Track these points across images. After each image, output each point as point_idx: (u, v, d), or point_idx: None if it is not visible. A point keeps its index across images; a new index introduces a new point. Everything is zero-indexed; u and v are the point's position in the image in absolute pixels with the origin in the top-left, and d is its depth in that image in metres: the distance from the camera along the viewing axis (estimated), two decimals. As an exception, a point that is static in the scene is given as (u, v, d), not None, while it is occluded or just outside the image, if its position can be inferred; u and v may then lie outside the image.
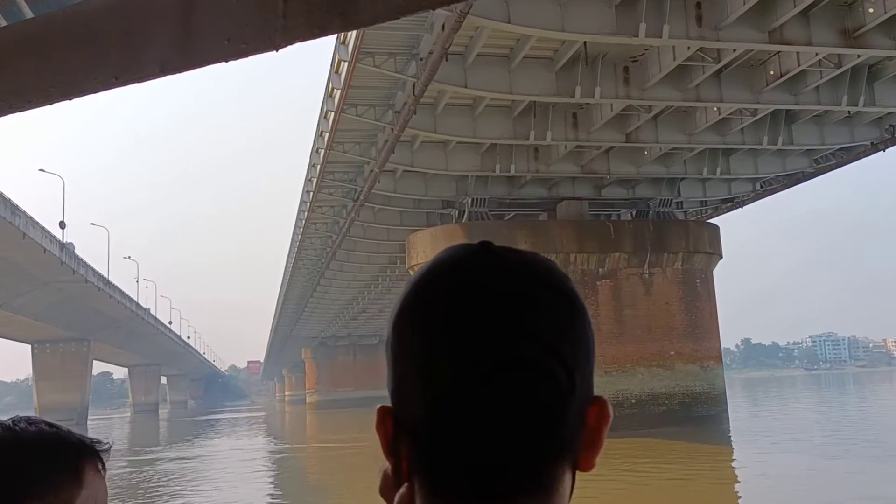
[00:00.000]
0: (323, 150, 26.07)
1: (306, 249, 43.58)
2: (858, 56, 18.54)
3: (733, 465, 22.61)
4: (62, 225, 43.92)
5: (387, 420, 0.69)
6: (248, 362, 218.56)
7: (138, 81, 1.07)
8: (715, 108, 22.37)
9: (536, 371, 0.65)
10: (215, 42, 1.00)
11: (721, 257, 30.59)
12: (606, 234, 28.88)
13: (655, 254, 29.00)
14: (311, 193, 32.58)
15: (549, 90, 20.18)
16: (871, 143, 25.36)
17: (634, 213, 31.39)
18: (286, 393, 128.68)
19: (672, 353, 28.66)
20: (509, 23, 16.31)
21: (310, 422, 62.70)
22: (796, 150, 27.24)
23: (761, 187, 31.58)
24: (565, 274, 0.71)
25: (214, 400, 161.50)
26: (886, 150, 25.24)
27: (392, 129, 22.42)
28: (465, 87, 19.72)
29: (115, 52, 1.06)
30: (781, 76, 19.65)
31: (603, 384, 27.21)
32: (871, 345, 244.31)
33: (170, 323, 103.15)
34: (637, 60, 19.83)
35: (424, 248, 29.02)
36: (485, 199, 29.18)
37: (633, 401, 27.90)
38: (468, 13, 15.10)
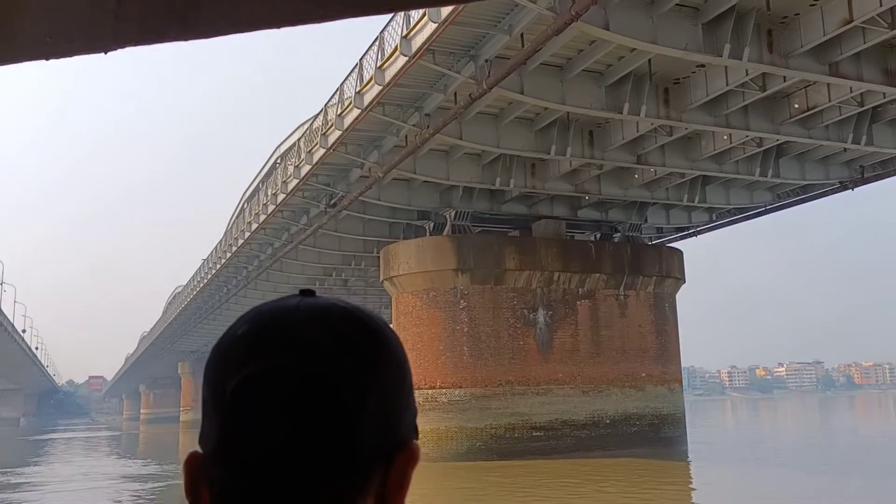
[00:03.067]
0: (322, 150, 24.60)
1: (238, 257, 41.08)
2: (883, 96, 19.84)
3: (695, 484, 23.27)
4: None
5: (193, 461, 0.70)
6: (90, 377, 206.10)
7: None
8: (725, 137, 23.21)
9: (327, 398, 0.65)
10: (35, 37, 0.90)
11: (685, 282, 31.71)
12: (588, 254, 29.21)
13: (632, 276, 29.63)
14: (276, 196, 30.75)
15: (530, 146, 22.98)
16: (840, 182, 27.24)
17: (599, 235, 31.96)
18: (142, 411, 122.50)
19: (644, 374, 29.26)
20: (523, 94, 19.03)
21: (183, 442, 58.33)
22: (766, 184, 28.78)
23: (717, 218, 33.17)
24: (377, 317, 0.72)
25: (49, 417, 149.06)
26: (854, 189, 27.17)
27: (420, 132, 21.56)
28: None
29: None
30: (808, 110, 20.67)
31: (581, 403, 27.48)
32: (707, 375, 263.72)
33: (23, 331, 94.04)
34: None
35: (408, 259, 28.08)
36: (468, 212, 28.72)
37: (608, 420, 28.17)
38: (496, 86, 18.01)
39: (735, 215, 32.53)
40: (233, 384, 0.67)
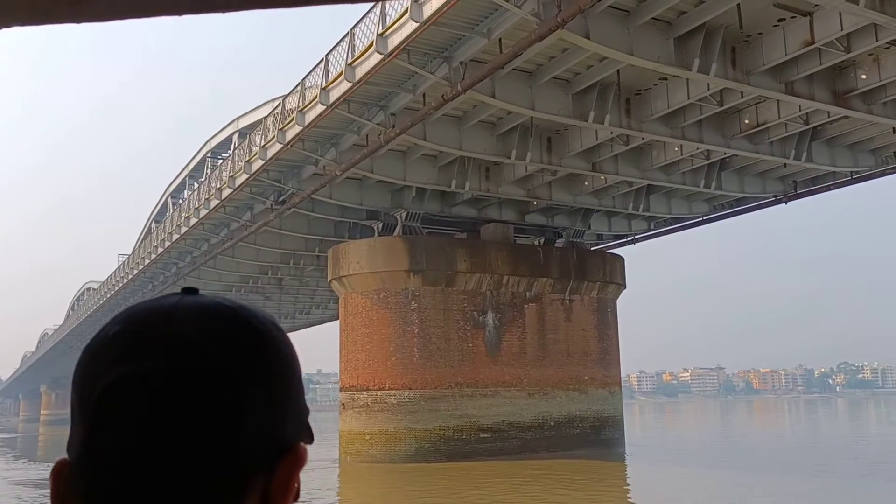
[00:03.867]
0: (278, 146, 24.09)
1: (170, 252, 39.70)
2: (828, 115, 21.01)
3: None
4: None
5: (60, 470, 0.67)
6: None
7: None
8: (676, 148, 24.04)
9: (198, 401, 0.63)
10: None
11: (626, 287, 32.61)
12: (537, 259, 29.66)
13: (577, 281, 30.26)
14: (220, 190, 29.91)
15: (491, 150, 23.39)
16: (774, 196, 28.64)
17: (543, 240, 32.51)
18: (43, 412, 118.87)
19: (587, 377, 29.92)
20: (494, 97, 19.21)
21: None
22: (705, 195, 29.92)
23: (655, 226, 34.28)
24: (262, 315, 0.70)
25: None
26: (788, 203, 28.62)
27: (385, 131, 21.43)
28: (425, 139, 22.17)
29: None
30: (757, 126, 21.66)
31: (527, 405, 27.91)
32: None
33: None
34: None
35: (359, 259, 27.82)
36: (419, 213, 28.71)
37: (553, 423, 28.67)
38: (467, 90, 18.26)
39: (671, 224, 33.70)
40: (100, 388, 0.64)
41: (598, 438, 29.42)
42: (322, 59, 21.21)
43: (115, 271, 54.15)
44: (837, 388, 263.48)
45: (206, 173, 46.60)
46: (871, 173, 25.75)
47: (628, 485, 23.79)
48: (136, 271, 45.07)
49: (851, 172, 25.84)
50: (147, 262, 42.02)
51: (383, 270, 27.45)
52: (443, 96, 18.75)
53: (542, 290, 29.65)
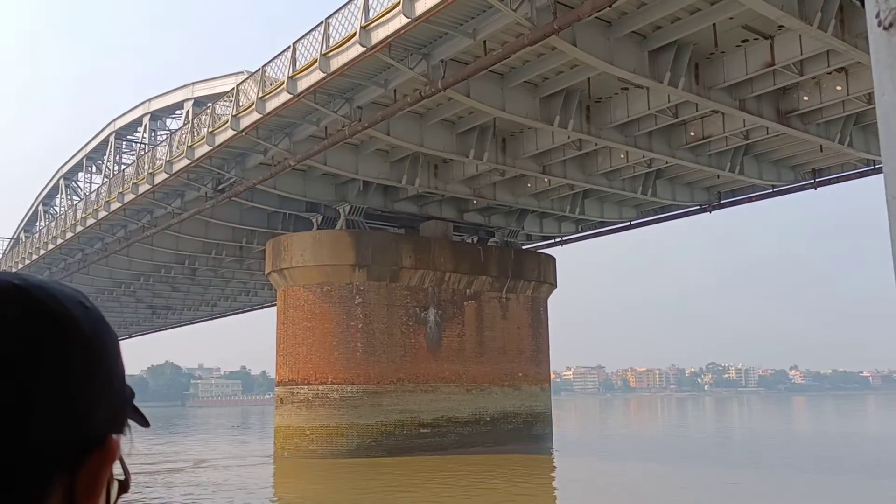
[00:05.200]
0: (230, 132, 23.36)
1: (80, 238, 37.51)
2: (767, 131, 22.62)
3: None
4: None
5: None
6: None
7: None
8: (622, 155, 25.13)
9: None
10: None
11: (556, 287, 33.64)
12: (477, 257, 30.16)
13: (514, 280, 30.99)
14: (153, 175, 28.63)
15: (450, 148, 23.59)
16: (700, 205, 30.39)
17: (477, 238, 33.07)
18: None
19: (520, 374, 30.71)
20: (469, 97, 19.65)
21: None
22: (635, 201, 31.33)
23: (583, 229, 35.54)
24: (62, 295, 0.62)
25: None
26: (712, 212, 30.44)
27: (350, 123, 21.26)
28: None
29: None
30: (703, 139, 23.00)
31: (465, 401, 28.44)
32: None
33: None
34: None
35: (303, 252, 27.38)
36: (362, 207, 28.58)
37: (489, 418, 29.27)
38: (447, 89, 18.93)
39: (598, 228, 35.05)
40: None
41: (530, 434, 30.26)
42: (289, 47, 20.79)
43: (11, 254, 50.55)
44: (706, 388, 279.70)
45: (110, 156, 44.50)
46: (791, 187, 27.79)
47: (557, 477, 24.62)
48: (35, 256, 42.23)
49: (773, 186, 27.79)
50: (51, 246, 39.48)
51: (328, 264, 27.15)
52: (420, 93, 18.85)
53: (482, 288, 30.20)
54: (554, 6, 15.54)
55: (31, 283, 0.61)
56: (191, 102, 36.82)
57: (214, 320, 65.72)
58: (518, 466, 25.72)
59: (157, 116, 42.11)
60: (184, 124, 30.16)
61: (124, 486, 0.66)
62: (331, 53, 19.07)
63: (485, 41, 17.63)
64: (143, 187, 29.21)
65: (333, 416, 26.29)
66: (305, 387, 26.61)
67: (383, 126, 21.79)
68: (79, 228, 35.39)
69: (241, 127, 22.88)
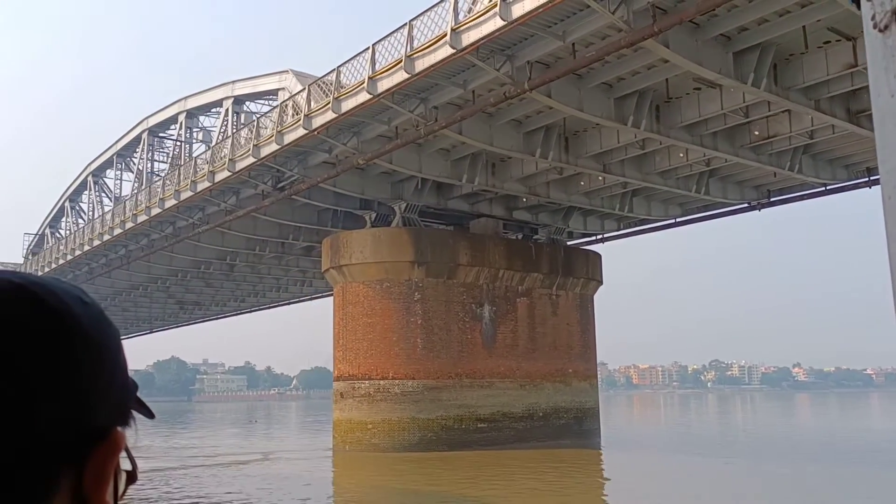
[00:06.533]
0: (301, 131, 23.69)
1: (127, 235, 37.84)
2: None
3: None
4: None
5: None
6: None
7: None
8: (681, 154, 25.51)
9: None
10: None
11: (602, 284, 34.03)
12: (529, 254, 30.53)
13: (564, 277, 31.38)
14: (213, 173, 28.95)
15: (517, 147, 24.35)
16: (749, 203, 30.76)
17: (521, 235, 33.44)
18: None
19: (570, 370, 31.12)
20: (550, 97, 20.45)
21: None
22: (681, 199, 31.67)
23: (623, 227, 35.89)
24: (62, 291, 0.63)
25: None
26: (761, 210, 30.82)
27: (425, 123, 21.62)
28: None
29: None
30: (767, 138, 23.38)
31: (518, 397, 28.83)
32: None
33: None
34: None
35: (363, 249, 27.76)
36: (417, 205, 28.94)
37: (541, 413, 29.68)
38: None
39: (640, 225, 35.39)
40: None
41: (580, 429, 30.68)
42: (368, 48, 21.14)
43: (44, 252, 50.86)
44: (709, 385, 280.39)
45: (143, 153, 44.79)
46: (845, 185, 28.34)
47: (621, 472, 25.03)
48: (78, 252, 42.53)
49: (825, 184, 28.28)
50: (97, 242, 39.79)
51: (388, 261, 27.53)
52: (504, 93, 19.19)
53: (533, 285, 30.58)
54: (653, 9, 15.89)
55: (30, 280, 0.62)
56: (230, 101, 37.15)
57: (232, 317, 66.08)
58: (573, 461, 26.13)
59: (193, 114, 42.37)
60: (225, 126, 30.40)
61: (132, 477, 0.67)
62: (415, 55, 19.41)
63: (573, 43, 17.99)
64: (203, 185, 29.52)
65: (395, 410, 26.69)
66: (366, 381, 27.00)
67: (456, 125, 22.14)
68: (129, 225, 35.68)
69: (314, 126, 23.21)
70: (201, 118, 42.84)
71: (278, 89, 32.17)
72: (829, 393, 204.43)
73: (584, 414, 31.27)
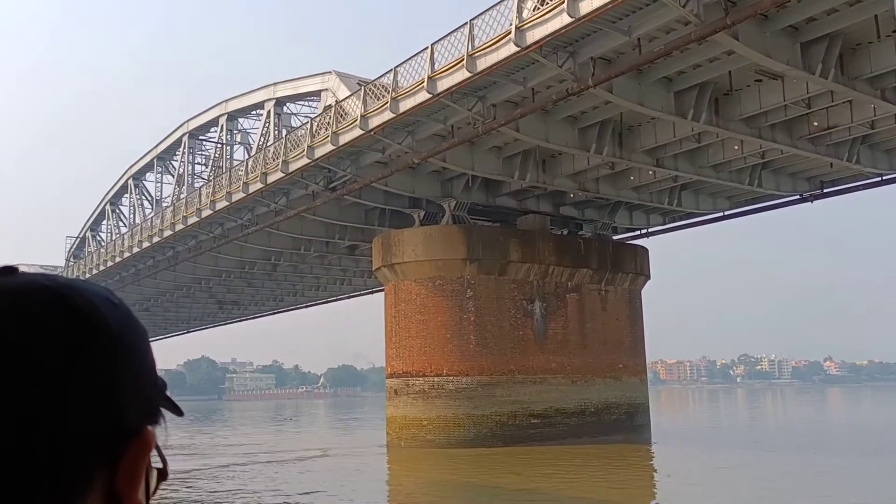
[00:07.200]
0: (357, 132, 23.87)
1: (176, 237, 38.36)
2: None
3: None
4: None
5: None
6: None
7: None
8: (735, 147, 25.33)
9: (8, 395, 0.56)
10: None
11: (650, 279, 33.91)
12: (578, 250, 30.53)
13: (612, 272, 31.32)
14: (265, 175, 29.24)
15: (573, 143, 24.28)
16: (801, 195, 30.46)
17: (566, 231, 33.41)
18: None
19: (621, 365, 31.06)
20: (612, 93, 20.44)
21: None
22: (731, 191, 31.43)
23: (668, 222, 35.71)
24: (89, 292, 0.64)
25: None
26: (813, 202, 30.50)
27: (483, 121, 21.70)
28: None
29: None
30: (827, 129, 23.15)
31: (570, 392, 28.80)
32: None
33: None
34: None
35: (415, 247, 27.93)
36: (466, 203, 29.04)
37: (593, 409, 29.67)
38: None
39: (686, 219, 35.18)
40: None
41: (632, 424, 30.62)
42: (426, 48, 21.25)
43: (90, 255, 51.66)
44: (738, 379, 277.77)
45: (184, 156, 45.31)
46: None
47: (677, 467, 24.95)
48: (126, 254, 43.17)
49: (881, 175, 27.99)
50: (146, 244, 40.36)
51: (440, 259, 27.67)
52: (567, 90, 19.20)
53: (582, 281, 30.57)
54: (724, 2, 15.82)
55: (60, 282, 0.62)
56: (272, 103, 37.46)
57: (269, 316, 66.62)
58: (630, 456, 26.12)
59: (234, 117, 42.75)
60: (267, 127, 30.59)
61: (163, 475, 0.68)
62: (477, 53, 19.48)
63: (638, 38, 17.96)
64: (255, 186, 29.82)
65: (450, 406, 26.84)
66: (421, 378, 27.17)
67: (513, 123, 22.19)
68: (179, 227, 36.16)
69: (370, 127, 23.37)
70: (241, 120, 43.28)
71: (321, 90, 32.40)
72: (861, 387, 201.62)
73: (635, 409, 31.22)
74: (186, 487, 18.67)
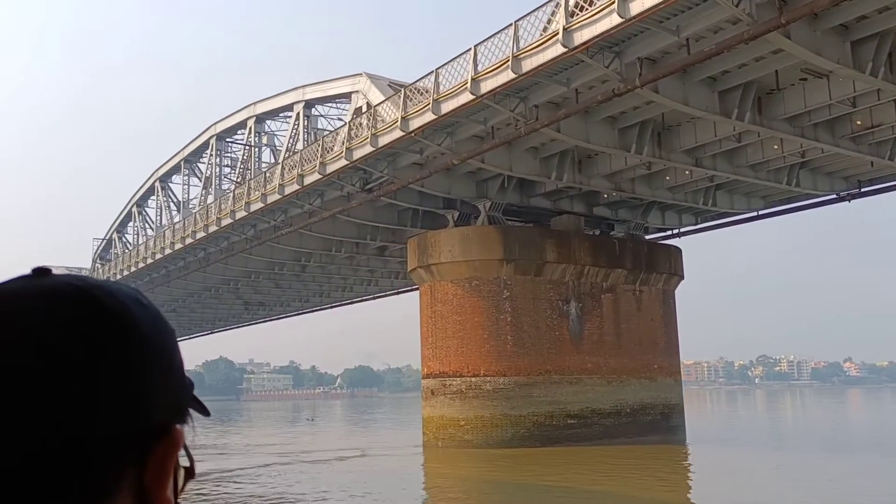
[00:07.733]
0: (398, 133, 23.96)
1: (210, 238, 38.63)
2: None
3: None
4: None
5: None
6: None
7: None
8: (775, 146, 25.21)
9: (42, 394, 0.57)
10: None
11: (683, 279, 33.79)
12: (613, 250, 30.48)
13: (647, 273, 31.24)
14: (302, 177, 29.41)
15: (612, 143, 24.29)
16: (838, 194, 30.25)
17: (598, 231, 33.36)
18: None
19: (655, 366, 30.97)
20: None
21: None
22: (765, 191, 31.25)
23: (700, 222, 35.56)
24: (120, 293, 0.65)
25: None
26: (850, 202, 30.29)
27: (525, 122, 21.73)
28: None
29: None
30: (871, 128, 23.00)
31: (606, 393, 28.74)
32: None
33: None
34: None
35: (451, 248, 27.99)
36: (501, 203, 29.07)
37: (628, 409, 29.60)
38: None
39: (717, 220, 35.02)
40: None
41: (667, 425, 30.53)
42: (469, 49, 21.31)
43: (121, 256, 52.11)
44: (756, 381, 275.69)
45: (211, 158, 45.64)
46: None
47: (718, 468, 24.83)
48: (159, 256, 43.52)
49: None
50: (179, 246, 40.67)
51: (477, 259, 27.72)
52: (613, 91, 19.20)
53: (617, 281, 30.52)
54: (778, 1, 15.77)
55: (90, 283, 0.63)
56: (301, 105, 37.65)
57: (294, 316, 66.89)
58: (668, 457, 26.08)
59: (262, 119, 42.96)
60: (296, 129, 30.69)
61: (190, 473, 0.69)
62: (523, 55, 19.51)
63: (687, 38, 17.93)
64: (291, 188, 29.97)
65: (487, 407, 26.87)
66: (458, 379, 27.23)
67: (555, 124, 22.20)
68: (213, 228, 36.40)
69: (411, 128, 23.45)
70: (268, 122, 43.50)
71: (351, 92, 32.54)
72: (882, 388, 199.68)
73: (671, 410, 31.12)
74: (251, 483, 18.76)
